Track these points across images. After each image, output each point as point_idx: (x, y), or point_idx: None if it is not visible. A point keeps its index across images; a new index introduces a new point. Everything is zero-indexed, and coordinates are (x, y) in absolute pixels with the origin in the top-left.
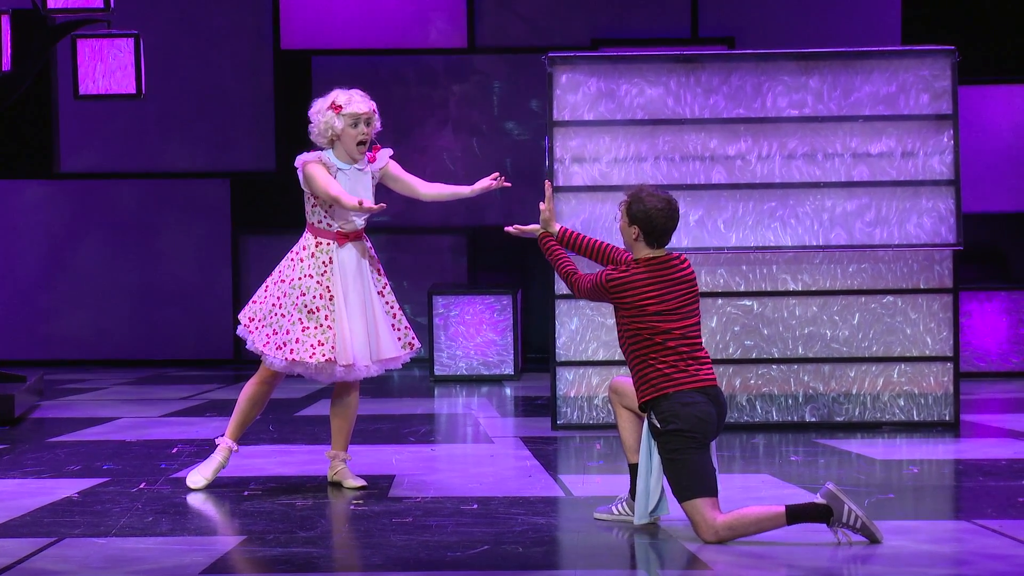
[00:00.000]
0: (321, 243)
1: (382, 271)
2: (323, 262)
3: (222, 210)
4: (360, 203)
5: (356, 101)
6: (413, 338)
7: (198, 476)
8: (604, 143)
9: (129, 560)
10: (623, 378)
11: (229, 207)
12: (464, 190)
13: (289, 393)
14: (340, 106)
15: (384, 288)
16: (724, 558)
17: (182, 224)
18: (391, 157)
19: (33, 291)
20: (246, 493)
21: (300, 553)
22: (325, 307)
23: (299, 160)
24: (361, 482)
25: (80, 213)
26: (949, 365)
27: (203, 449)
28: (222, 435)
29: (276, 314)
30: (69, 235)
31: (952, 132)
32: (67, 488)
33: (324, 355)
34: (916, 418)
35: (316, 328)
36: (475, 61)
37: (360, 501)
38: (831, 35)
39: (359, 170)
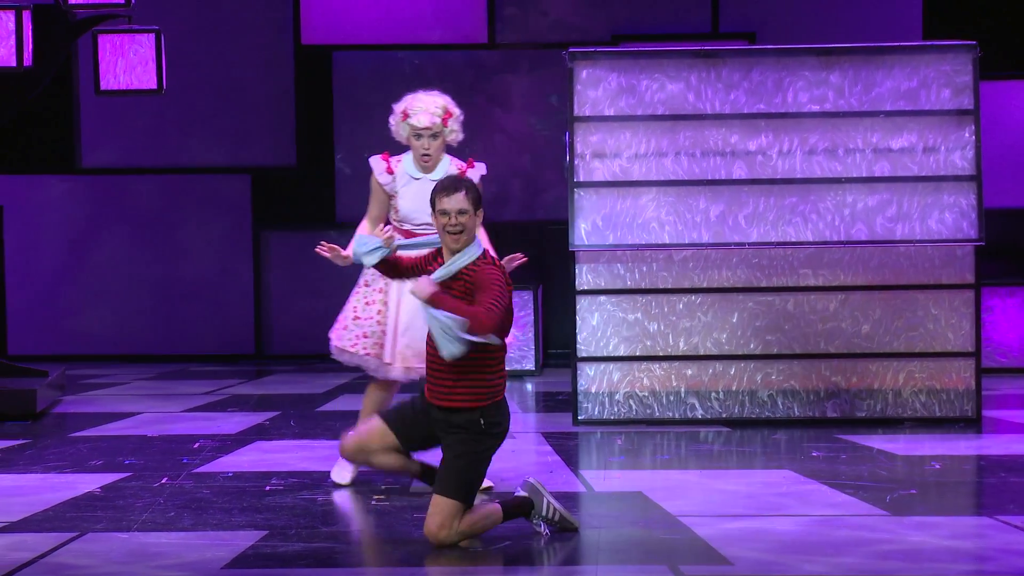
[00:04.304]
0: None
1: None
2: None
3: (243, 205)
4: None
5: (419, 112)
6: None
7: (344, 474)
8: (625, 138)
9: (151, 555)
10: (369, 434)
11: (250, 202)
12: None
13: (311, 388)
14: (407, 114)
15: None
16: (746, 554)
17: (203, 219)
18: (483, 177)
19: (55, 286)
20: (267, 488)
21: (322, 548)
22: (380, 302)
23: (371, 161)
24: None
25: (101, 208)
26: (971, 361)
27: (225, 444)
28: None
29: (347, 302)
30: (90, 230)
31: (973, 127)
32: (89, 483)
33: (365, 348)
34: (938, 414)
35: (366, 320)
36: (496, 57)
37: (381, 496)
38: (852, 30)
39: (432, 180)
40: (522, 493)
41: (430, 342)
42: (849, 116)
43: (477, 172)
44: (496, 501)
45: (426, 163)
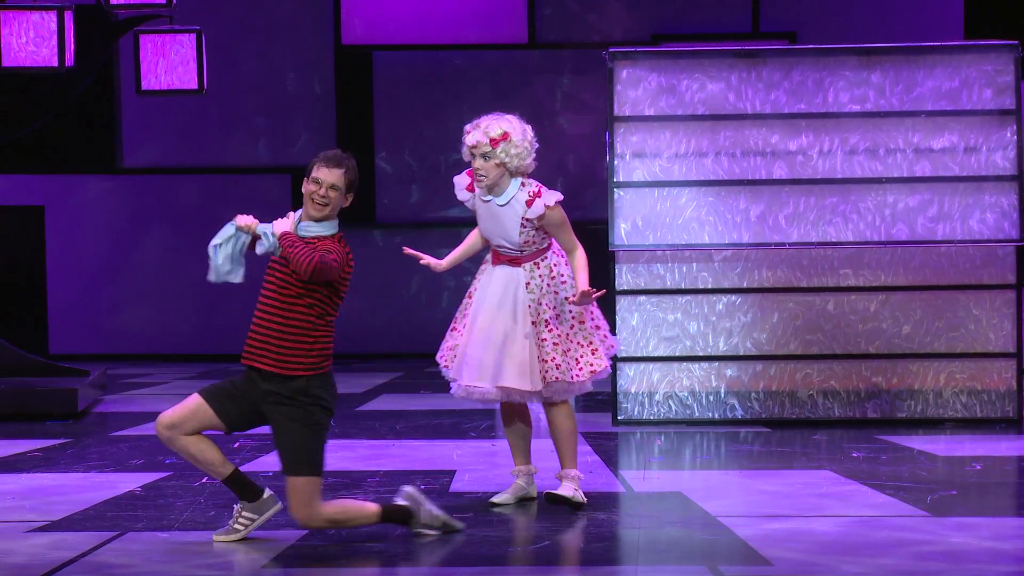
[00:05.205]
0: (489, 257)
1: (548, 303)
2: (483, 272)
3: (283, 205)
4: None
5: (476, 130)
6: (562, 377)
7: (502, 496)
8: (665, 138)
9: (191, 554)
10: (183, 408)
11: (290, 202)
12: (581, 282)
13: (350, 388)
14: (467, 132)
15: (538, 319)
16: (786, 554)
17: None
18: (554, 204)
19: (95, 286)
20: None
21: (361, 548)
22: (465, 317)
23: (455, 179)
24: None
25: (142, 208)
26: (1012, 361)
27: (264, 443)
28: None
29: None
30: (131, 230)
31: (1015, 127)
32: (130, 482)
33: (445, 362)
34: (979, 414)
35: (458, 332)
36: (535, 57)
37: None
38: (893, 30)
39: (500, 205)
40: (402, 501)
41: (262, 303)
42: (890, 116)
43: (545, 199)
44: (376, 503)
45: (479, 183)
